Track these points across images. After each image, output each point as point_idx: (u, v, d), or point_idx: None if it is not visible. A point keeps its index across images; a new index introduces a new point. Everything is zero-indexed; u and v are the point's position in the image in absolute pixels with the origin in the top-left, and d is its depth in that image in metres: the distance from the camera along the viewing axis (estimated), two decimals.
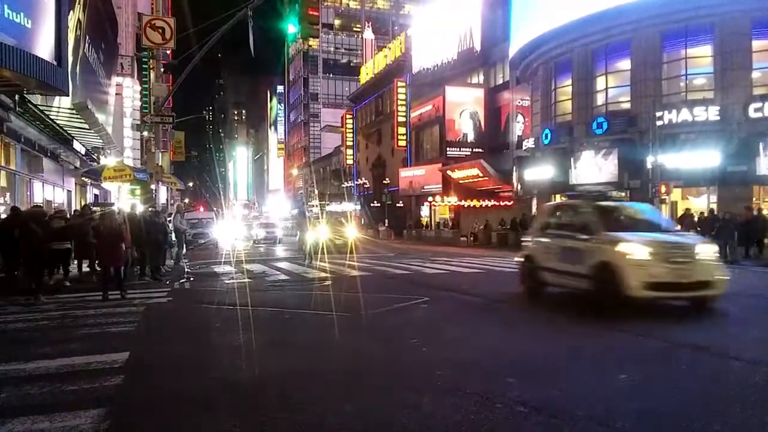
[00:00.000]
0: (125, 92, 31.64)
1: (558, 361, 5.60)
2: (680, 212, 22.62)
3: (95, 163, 25.04)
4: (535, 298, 9.88)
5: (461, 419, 3.86)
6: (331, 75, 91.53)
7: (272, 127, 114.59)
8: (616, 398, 4.34)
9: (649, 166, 21.94)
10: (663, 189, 21.32)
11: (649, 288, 7.90)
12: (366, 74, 61.69)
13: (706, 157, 21.85)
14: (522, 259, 10.73)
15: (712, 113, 22.48)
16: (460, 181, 39.42)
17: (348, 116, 66.04)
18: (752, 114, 21.84)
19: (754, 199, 21.75)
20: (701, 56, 23.80)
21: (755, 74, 22.49)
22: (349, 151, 65.06)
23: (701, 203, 23.42)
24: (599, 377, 5.02)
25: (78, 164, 23.36)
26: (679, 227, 12.67)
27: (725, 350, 5.95)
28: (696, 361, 5.64)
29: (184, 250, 20.30)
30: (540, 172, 29.10)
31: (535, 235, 10.87)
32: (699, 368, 5.35)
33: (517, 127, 36.61)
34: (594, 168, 25.78)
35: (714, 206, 21.49)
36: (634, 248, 8.22)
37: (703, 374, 5.17)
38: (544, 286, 9.94)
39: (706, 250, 8.63)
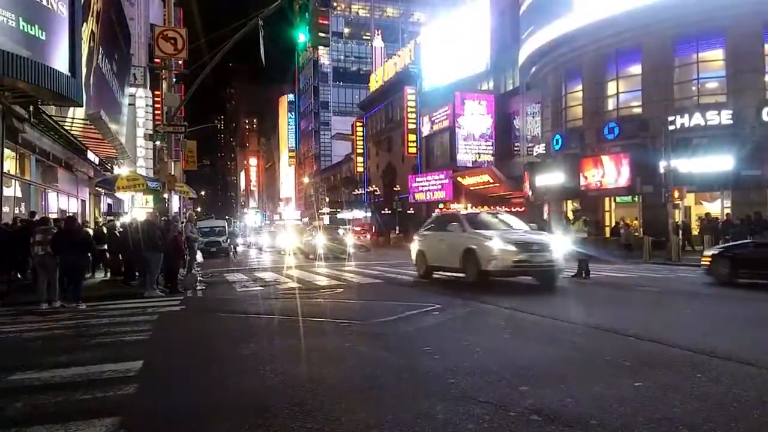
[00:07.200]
0: (138, 102, 32.00)
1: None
2: (694, 216, 22.38)
3: (109, 173, 25.30)
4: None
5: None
6: (341, 83, 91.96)
7: (283, 135, 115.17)
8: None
9: (661, 170, 21.79)
10: (676, 194, 21.16)
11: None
12: (376, 82, 61.86)
13: (720, 162, 21.68)
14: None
15: (725, 117, 22.33)
16: (471, 188, 39.37)
17: (358, 124, 66.20)
18: (765, 117, 21.69)
19: None
20: (713, 60, 23.69)
21: None
22: (360, 159, 65.17)
23: (715, 208, 23.22)
24: None
25: (92, 174, 23.60)
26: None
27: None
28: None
29: (198, 259, 20.39)
30: (551, 178, 29.02)
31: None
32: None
33: (528, 133, 36.54)
34: (606, 173, 25.65)
35: (728, 210, 21.33)
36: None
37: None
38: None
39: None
